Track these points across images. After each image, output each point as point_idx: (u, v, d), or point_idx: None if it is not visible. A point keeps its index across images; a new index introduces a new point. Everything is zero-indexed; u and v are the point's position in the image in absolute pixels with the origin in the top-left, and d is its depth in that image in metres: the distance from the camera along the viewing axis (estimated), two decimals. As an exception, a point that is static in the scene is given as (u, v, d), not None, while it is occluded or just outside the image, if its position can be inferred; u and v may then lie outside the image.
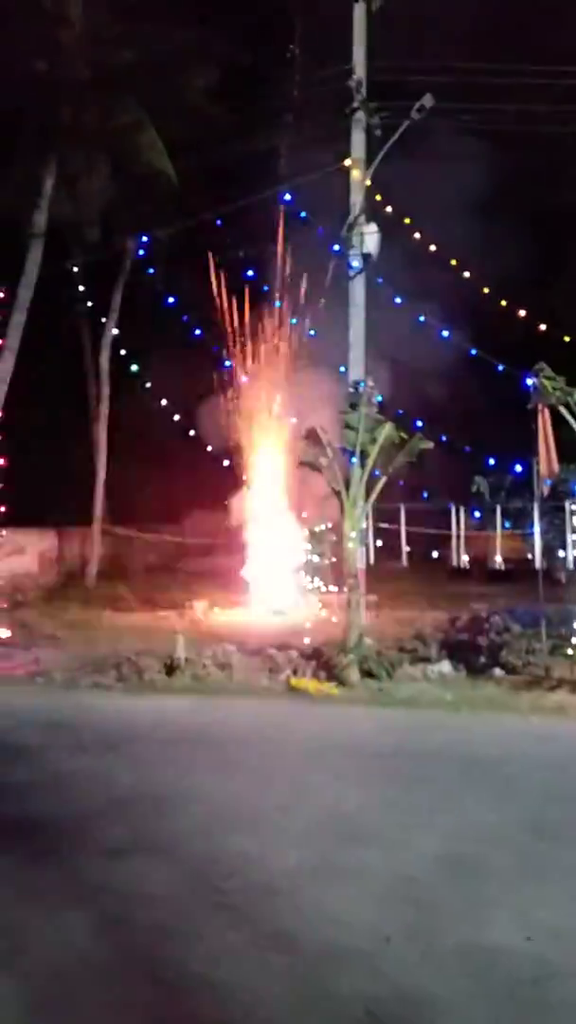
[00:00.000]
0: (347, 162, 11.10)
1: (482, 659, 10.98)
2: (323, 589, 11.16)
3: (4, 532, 19.88)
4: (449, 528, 15.47)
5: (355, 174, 11.05)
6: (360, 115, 11.11)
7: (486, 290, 11.75)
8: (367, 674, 10.35)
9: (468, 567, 15.34)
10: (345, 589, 10.91)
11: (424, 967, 3.79)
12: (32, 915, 4.42)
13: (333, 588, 11.17)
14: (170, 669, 10.72)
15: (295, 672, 10.66)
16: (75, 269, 17.57)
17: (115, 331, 20.60)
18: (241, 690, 10.18)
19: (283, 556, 17.24)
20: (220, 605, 18.56)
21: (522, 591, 16.91)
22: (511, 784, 6.36)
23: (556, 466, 9.70)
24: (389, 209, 11.39)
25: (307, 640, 11.32)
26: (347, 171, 11.10)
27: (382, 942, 3.98)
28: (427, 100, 10.27)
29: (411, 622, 13.42)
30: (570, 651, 9.79)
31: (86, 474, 22.96)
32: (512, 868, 4.82)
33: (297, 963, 3.88)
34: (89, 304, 21.27)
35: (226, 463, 17.58)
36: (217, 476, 20.36)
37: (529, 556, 10.57)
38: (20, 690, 10.46)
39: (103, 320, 21.11)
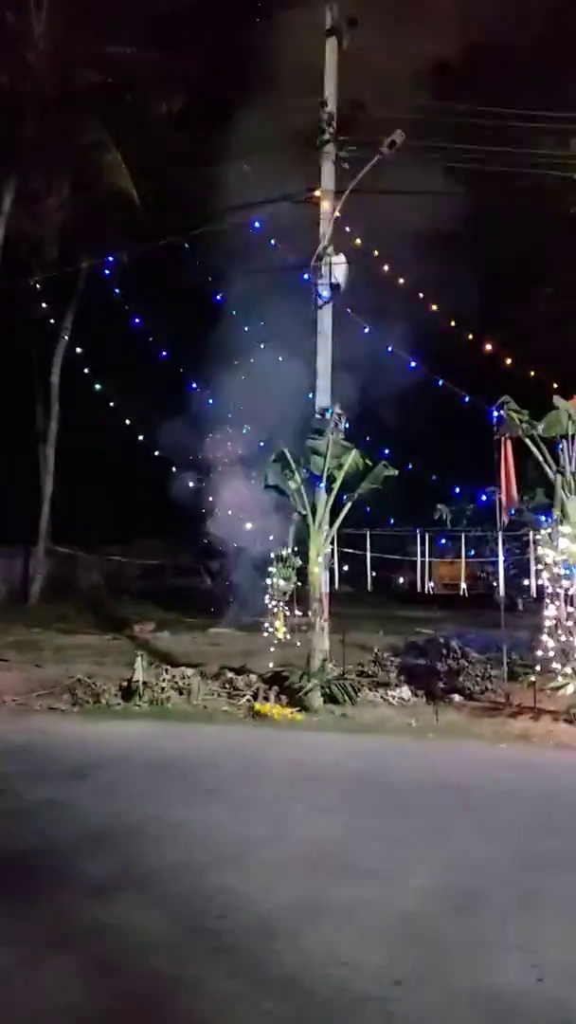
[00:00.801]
0: (316, 193, 11.22)
1: (441, 684, 11.10)
2: (287, 612, 11.11)
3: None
4: (413, 554, 15.74)
5: (324, 205, 11.17)
6: (330, 147, 11.25)
7: (452, 323, 12.02)
8: (329, 699, 10.36)
9: (431, 592, 15.58)
10: (308, 613, 10.89)
11: (441, 1014, 3.70)
12: (16, 961, 4.18)
13: (297, 612, 11.13)
14: (127, 693, 10.52)
15: (255, 696, 10.59)
16: (37, 286, 17.31)
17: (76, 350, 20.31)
18: (202, 715, 10.05)
19: (239, 577, 17.22)
20: (168, 627, 18.38)
21: (474, 616, 17.29)
22: (495, 814, 6.38)
23: (516, 496, 9.92)
24: (358, 241, 11.54)
25: (271, 664, 11.24)
26: (316, 202, 11.21)
27: (393, 986, 3.87)
28: (398, 136, 10.48)
29: (370, 646, 13.49)
30: (532, 678, 9.94)
31: (30, 491, 22.53)
32: (511, 902, 4.80)
33: (307, 1011, 3.72)
34: (47, 321, 20.96)
35: (183, 483, 17.40)
36: (166, 496, 20.20)
37: (494, 584, 10.76)
38: (-31, 715, 10.11)
39: (60, 337, 20.89)
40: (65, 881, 5.13)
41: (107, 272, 15.83)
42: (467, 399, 11.19)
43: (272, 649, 11.85)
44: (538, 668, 9.95)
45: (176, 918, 4.66)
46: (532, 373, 11.10)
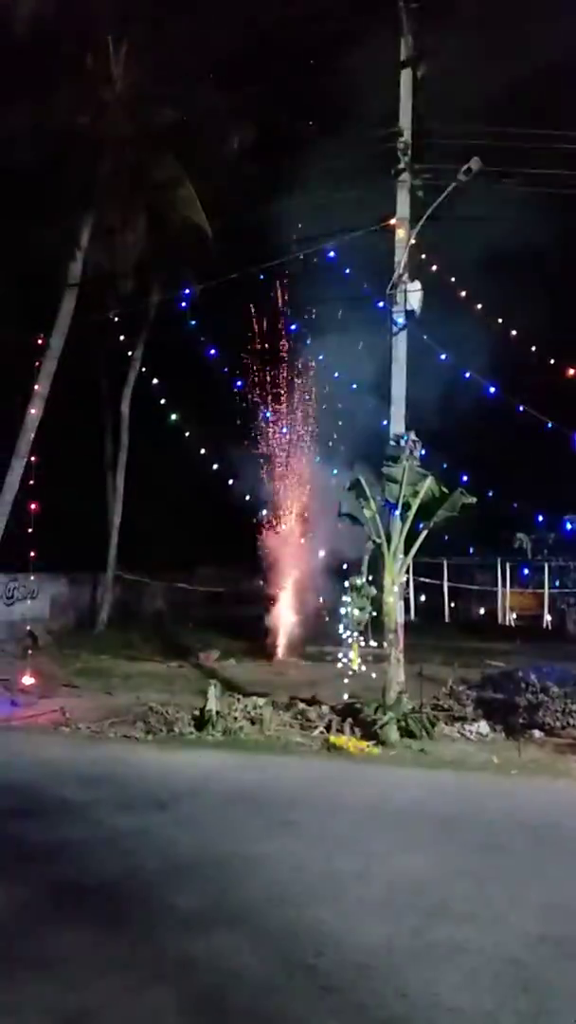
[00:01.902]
0: (392, 221, 11.23)
1: (520, 719, 10.77)
2: (362, 643, 10.95)
3: (18, 577, 19.72)
4: (491, 584, 15.47)
5: (400, 233, 11.17)
6: (405, 176, 11.29)
7: (533, 348, 11.87)
8: (406, 733, 10.12)
9: (511, 623, 15.22)
10: (383, 643, 10.72)
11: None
12: (113, 995, 4.13)
13: (372, 643, 10.96)
14: (200, 722, 10.46)
15: (328, 728, 10.42)
16: (115, 319, 17.73)
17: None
18: (276, 746, 9.92)
19: (308, 607, 17.11)
20: (233, 655, 18.35)
21: (548, 648, 16.83)
22: (591, 857, 6.13)
23: (604, 525, 9.64)
24: (434, 268, 11.51)
25: (345, 696, 11.07)
26: (392, 230, 11.22)
27: (505, 1034, 3.73)
28: (475, 163, 10.43)
29: (442, 678, 13.21)
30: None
31: (100, 520, 22.87)
32: (619, 950, 4.58)
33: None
34: (118, 352, 21.44)
35: (254, 512, 17.45)
36: (232, 525, 20.27)
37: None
38: (47, 740, 10.18)
39: (131, 368, 21.34)
40: (155, 913, 5.06)
41: (183, 304, 16.12)
42: (549, 425, 10.97)
43: (343, 680, 11.67)
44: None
45: (272, 954, 4.55)
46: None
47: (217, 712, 10.46)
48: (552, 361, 11.88)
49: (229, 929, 4.84)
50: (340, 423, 13.02)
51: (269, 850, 6.18)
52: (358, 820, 7.05)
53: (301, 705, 11.52)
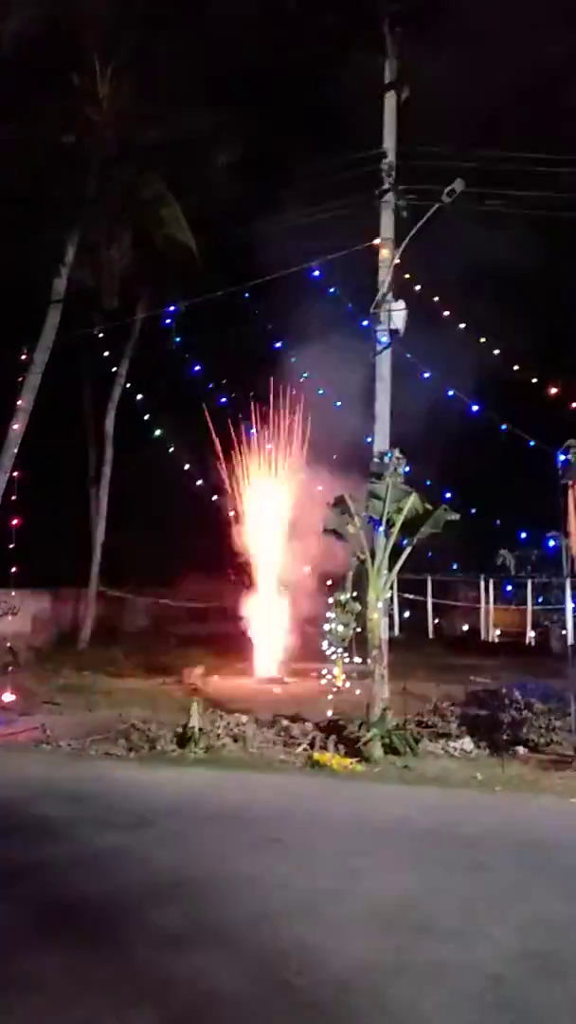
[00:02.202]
0: (376, 241, 11.36)
1: (504, 736, 10.78)
2: (346, 659, 10.94)
3: (-1, 593, 19.58)
4: (475, 600, 15.54)
5: (384, 253, 11.31)
6: (389, 197, 11.43)
7: (516, 367, 12.00)
8: (390, 750, 10.10)
9: (495, 640, 15.28)
10: (367, 660, 10.71)
11: None
12: (99, 1014, 4.08)
13: (356, 659, 10.94)
14: (183, 739, 10.39)
15: (312, 745, 10.38)
16: (100, 335, 17.78)
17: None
18: (259, 763, 9.87)
19: (291, 623, 17.06)
20: (216, 671, 18.26)
21: (532, 665, 16.87)
22: (573, 872, 6.12)
23: (586, 542, 9.71)
24: (417, 288, 11.64)
25: (329, 712, 11.03)
26: (376, 250, 11.35)
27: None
28: (458, 184, 10.59)
29: (426, 694, 13.21)
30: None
31: (82, 535, 22.78)
32: (602, 967, 4.57)
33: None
34: (102, 368, 21.49)
35: (234, 527, 17.46)
36: (213, 540, 20.25)
37: (563, 632, 10.48)
38: (27, 758, 10.09)
39: (115, 384, 21.38)
40: (137, 931, 5.02)
41: (167, 321, 16.18)
42: (532, 443, 11.07)
43: (327, 697, 11.64)
44: (607, 720, 9.59)
45: (253, 973, 4.51)
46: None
47: (200, 729, 10.40)
48: (534, 380, 12.02)
49: (211, 948, 4.80)
50: (325, 439, 13.07)
51: (252, 868, 6.15)
52: (341, 837, 7.02)
53: (285, 722, 11.47)
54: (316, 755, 9.85)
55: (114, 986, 4.37)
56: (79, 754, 10.20)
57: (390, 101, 11.67)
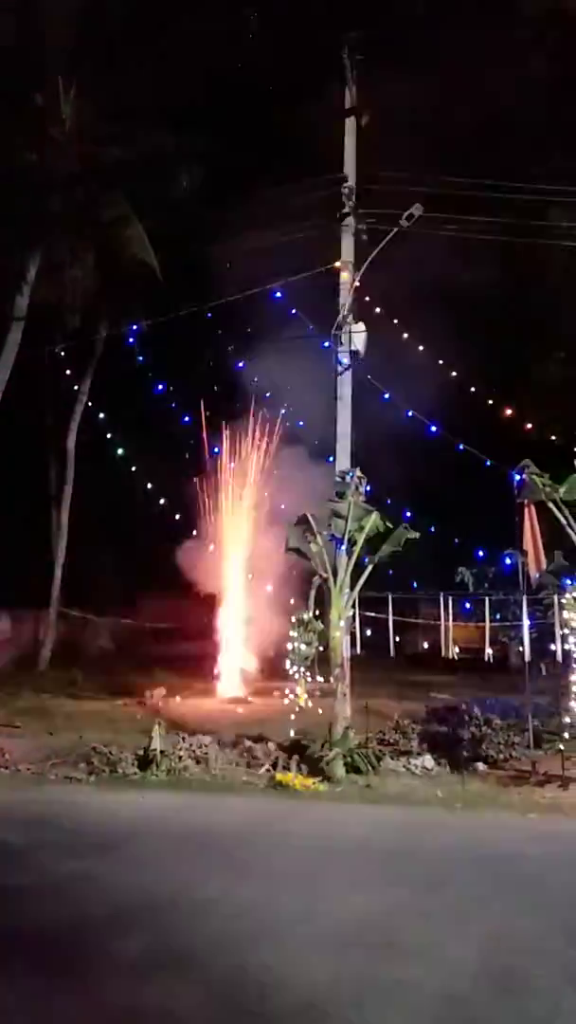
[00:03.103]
0: (337, 264, 11.53)
1: (464, 753, 10.87)
2: (309, 678, 10.96)
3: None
4: (435, 618, 15.72)
5: (344, 276, 11.49)
6: (350, 220, 11.62)
7: (472, 389, 12.23)
8: (352, 768, 10.13)
9: (455, 656, 15.45)
10: (330, 678, 10.75)
11: None
12: (57, 1045, 4.05)
13: (319, 677, 10.98)
14: (144, 762, 10.30)
15: (275, 766, 10.37)
16: (62, 353, 17.73)
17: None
18: (221, 785, 9.82)
19: (255, 643, 17.04)
20: (179, 692, 18.14)
21: (491, 681, 17.07)
22: (534, 889, 6.19)
23: (543, 560, 9.89)
24: (378, 310, 11.83)
25: (292, 732, 11.03)
26: (337, 272, 11.52)
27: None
28: (416, 209, 10.82)
29: (388, 712, 13.27)
30: (560, 745, 9.74)
31: (43, 555, 22.52)
32: (561, 984, 4.62)
33: None
34: (64, 387, 21.40)
35: (201, 547, 17.44)
36: (176, 560, 20.17)
37: (519, 649, 10.65)
38: (-14, 782, 9.91)
39: (77, 403, 21.28)
40: (99, 960, 4.96)
41: (130, 340, 16.20)
42: (488, 463, 11.28)
43: (290, 716, 11.64)
44: (566, 735, 9.74)
45: (217, 999, 4.50)
46: (552, 437, 11.22)
47: (161, 751, 10.31)
48: (490, 402, 12.26)
49: (174, 975, 4.77)
50: (288, 459, 13.18)
51: (214, 892, 6.12)
52: (304, 859, 7.02)
53: (247, 743, 11.44)
54: (279, 775, 9.85)
55: (76, 1017, 4.32)
56: (39, 778, 10.05)
57: (350, 126, 11.89)
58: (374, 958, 4.96)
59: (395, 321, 11.94)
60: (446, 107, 13.85)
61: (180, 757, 10.50)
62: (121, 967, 4.83)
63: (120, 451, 18.57)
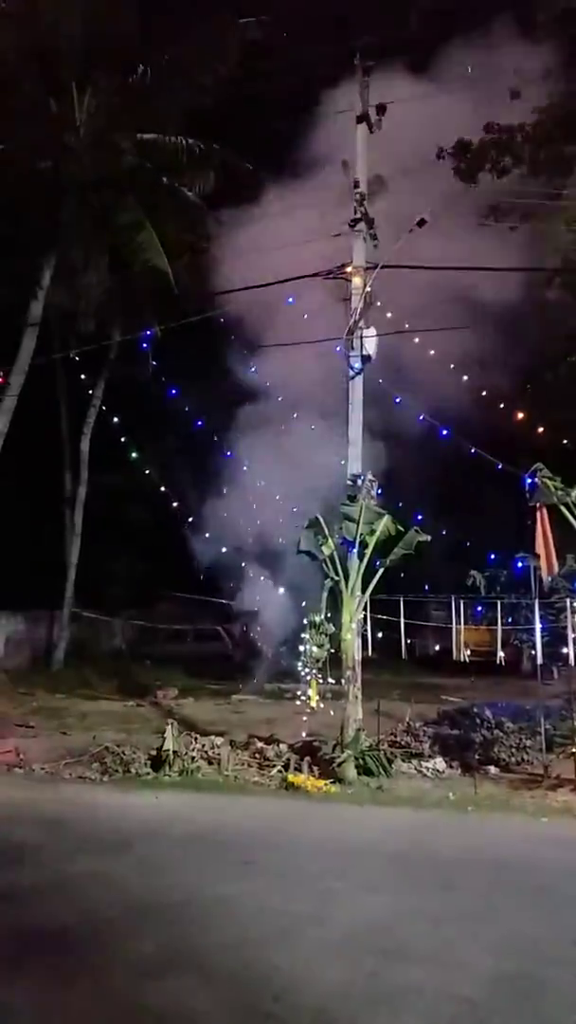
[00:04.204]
0: (348, 269, 11.56)
1: (476, 756, 10.89)
2: (320, 680, 11.01)
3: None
4: (447, 621, 15.73)
5: (356, 281, 11.51)
6: (361, 226, 11.65)
7: (484, 392, 12.24)
8: (364, 771, 10.17)
9: (466, 660, 15.48)
10: (341, 680, 10.79)
11: None
12: (71, 1043, 4.12)
13: (330, 680, 11.03)
14: (157, 762, 10.39)
15: (287, 767, 10.43)
16: (76, 358, 17.86)
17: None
18: (234, 786, 9.89)
19: (267, 645, 17.10)
20: (192, 693, 18.22)
21: (502, 684, 17.07)
22: (545, 893, 6.21)
23: (555, 564, 9.89)
24: (389, 315, 11.85)
25: (304, 734, 11.09)
26: (348, 277, 11.55)
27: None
28: (427, 215, 10.84)
29: (399, 714, 13.30)
30: (573, 749, 9.74)
31: (56, 556, 22.68)
32: (572, 988, 4.65)
33: None
34: (79, 390, 21.57)
35: (214, 549, 17.51)
36: (191, 562, 20.25)
37: (532, 652, 10.66)
38: (0, 782, 10.02)
39: (92, 406, 21.44)
40: (111, 959, 5.02)
41: (144, 345, 16.31)
42: (500, 467, 11.29)
43: (301, 718, 11.69)
44: (578, 739, 9.74)
45: (230, 1000, 4.54)
46: (564, 441, 11.22)
47: (174, 752, 10.40)
48: (502, 405, 12.27)
49: (186, 974, 4.82)
50: (300, 461, 13.23)
51: (227, 892, 6.17)
52: (316, 860, 7.06)
53: (259, 744, 11.52)
54: (291, 777, 9.91)
55: (89, 1015, 4.38)
56: (53, 778, 10.16)
57: (362, 132, 11.91)
58: (386, 962, 4.99)
59: (406, 325, 11.97)
60: (459, 112, 13.86)
61: (193, 758, 10.59)
62: (134, 966, 4.88)
63: (134, 454, 18.67)
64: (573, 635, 9.60)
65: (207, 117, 16.23)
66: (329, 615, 10.68)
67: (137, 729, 13.35)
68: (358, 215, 11.60)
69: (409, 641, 13.52)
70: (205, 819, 8.46)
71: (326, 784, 9.74)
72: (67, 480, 23.40)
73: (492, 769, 10.56)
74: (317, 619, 10.66)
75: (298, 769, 10.22)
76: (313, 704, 10.98)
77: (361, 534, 10.71)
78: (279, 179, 14.76)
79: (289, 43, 15.01)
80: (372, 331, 11.31)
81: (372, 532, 10.73)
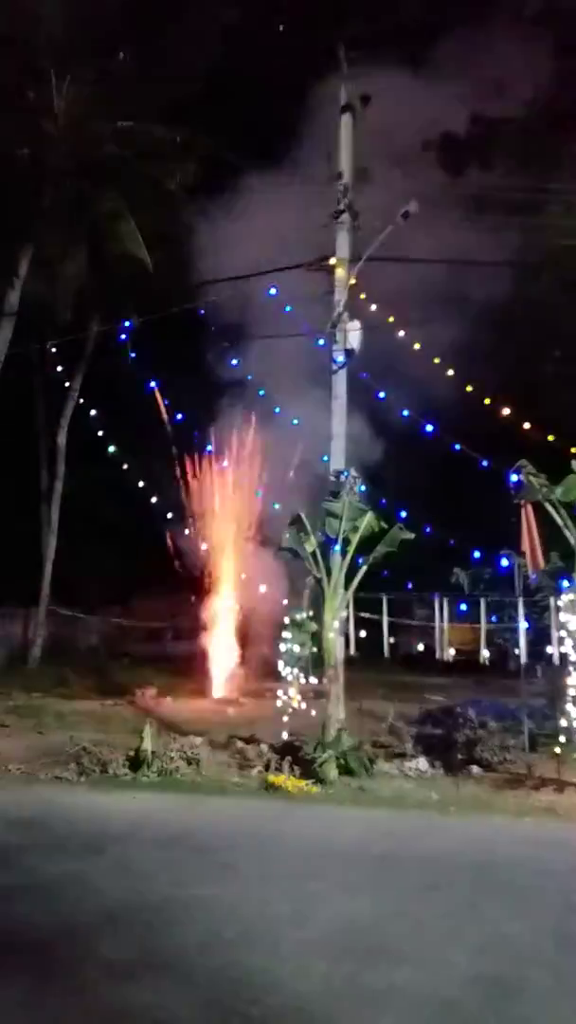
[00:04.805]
0: (332, 261, 11.43)
1: (459, 755, 10.79)
2: (302, 679, 10.87)
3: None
4: (430, 619, 15.65)
5: (339, 273, 11.38)
6: (345, 217, 11.52)
7: (469, 388, 12.16)
8: (345, 771, 10.04)
9: (450, 659, 15.44)
10: (323, 680, 10.66)
11: None
12: (42, 1051, 3.95)
13: (312, 679, 10.90)
14: (135, 762, 10.20)
15: (267, 767, 10.28)
16: (53, 350, 17.61)
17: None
18: (213, 787, 9.72)
19: (248, 643, 16.94)
20: (170, 692, 18.03)
21: (486, 683, 17.03)
22: (527, 893, 6.11)
23: (541, 560, 9.82)
24: (373, 308, 11.73)
25: (284, 734, 10.94)
26: (331, 270, 11.42)
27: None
28: (412, 206, 10.75)
29: (382, 713, 13.19)
30: (556, 749, 9.67)
31: (33, 552, 22.39)
32: (553, 989, 4.55)
33: None
34: (55, 383, 21.29)
35: (193, 546, 17.35)
36: (168, 559, 20.08)
37: (515, 651, 10.61)
38: (-26, 783, 9.79)
39: (68, 399, 21.17)
40: (87, 963, 4.86)
41: (122, 336, 16.10)
42: (484, 463, 11.21)
43: (283, 717, 11.54)
44: (562, 738, 9.66)
45: (207, 1002, 4.40)
46: (550, 437, 11.15)
47: (153, 752, 10.21)
48: (487, 401, 12.19)
49: (165, 977, 4.67)
50: (281, 458, 13.11)
51: (205, 894, 6.02)
52: (296, 861, 6.93)
53: (239, 744, 11.36)
54: (271, 777, 9.76)
55: (65, 1019, 4.22)
56: (28, 778, 9.94)
57: (345, 123, 11.79)
58: (366, 963, 4.87)
59: (390, 319, 11.86)
60: (443, 105, 13.80)
61: (172, 758, 10.41)
62: (110, 969, 4.73)
63: (112, 448, 18.46)
64: (557, 634, 9.53)
65: (190, 105, 16.03)
66: (312, 613, 10.54)
67: (115, 729, 13.16)
68: (342, 207, 11.47)
69: (392, 640, 13.43)
70: (184, 820, 8.30)
71: (307, 784, 9.59)
72: (43, 475, 23.10)
73: (475, 769, 10.46)
74: (299, 617, 10.51)
75: (279, 769, 10.07)
76: (295, 703, 10.83)
77: (344, 531, 10.59)
78: (263, 170, 14.60)
79: (273, 31, 14.86)
80: (356, 324, 11.18)
81: (355, 529, 10.61)
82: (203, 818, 8.39)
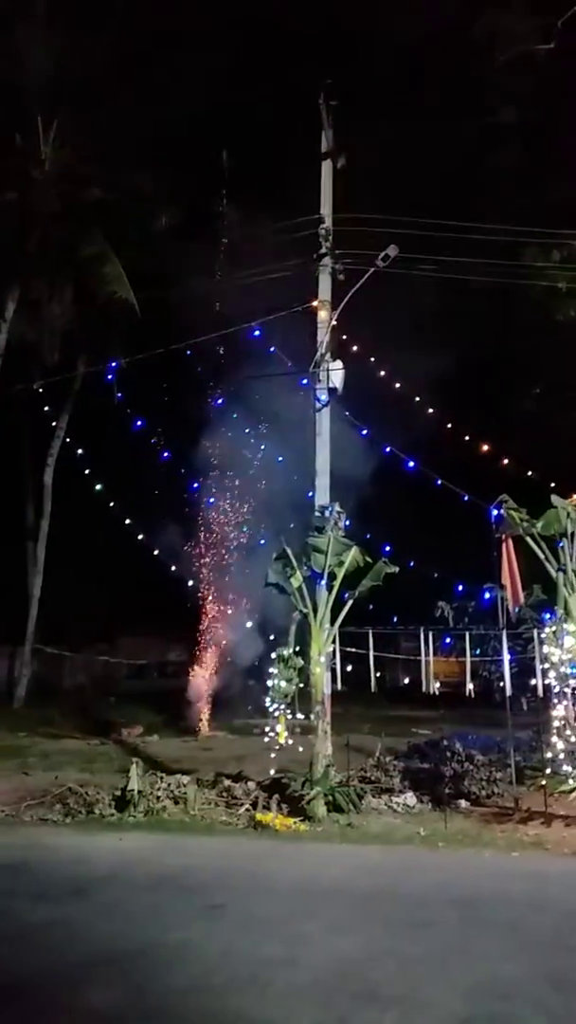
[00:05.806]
0: (315, 303, 11.67)
1: (446, 790, 10.78)
2: (289, 715, 10.85)
3: None
4: (415, 652, 15.70)
5: (322, 315, 11.64)
6: (327, 260, 11.79)
7: (450, 424, 12.35)
8: (333, 807, 10.00)
9: (436, 692, 15.43)
10: (310, 715, 10.64)
11: None
12: None
13: (299, 715, 10.87)
14: (121, 803, 10.11)
15: (255, 805, 10.21)
16: (40, 390, 17.74)
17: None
18: (200, 826, 9.66)
19: (235, 680, 16.86)
20: (157, 730, 17.88)
21: (472, 715, 17.03)
22: (517, 930, 6.08)
23: (521, 595, 9.92)
24: (355, 348, 11.96)
25: (272, 771, 10.89)
26: (314, 311, 11.66)
27: None
28: (392, 250, 11.00)
29: (369, 748, 13.15)
30: (542, 781, 9.68)
31: (19, 591, 22.30)
32: (547, 1028, 4.55)
33: None
34: (42, 422, 21.44)
35: (179, 584, 17.34)
36: (154, 595, 20.04)
37: (500, 684, 10.63)
38: (-43, 826, 9.67)
39: (55, 438, 21.29)
40: (72, 1011, 4.81)
41: (109, 377, 16.27)
42: (466, 498, 11.36)
43: (270, 754, 11.49)
44: (547, 771, 9.68)
45: (195, 1052, 4.35)
46: (529, 472, 11.33)
47: (139, 792, 10.14)
48: (468, 437, 12.39)
49: (151, 1022, 4.63)
50: (267, 494, 13.20)
51: (193, 937, 5.97)
52: (285, 901, 6.88)
53: (227, 782, 11.28)
54: (259, 815, 9.70)
55: (48, 1072, 4.17)
56: (13, 820, 9.83)
57: (326, 169, 12.11)
58: (355, 1005, 4.84)
59: (372, 359, 12.07)
60: (420, 151, 14.17)
61: (158, 797, 10.33)
62: (96, 1015, 4.69)
63: (98, 487, 18.53)
64: (540, 666, 9.60)
65: (174, 150, 16.37)
66: (298, 648, 10.56)
67: (101, 768, 13.06)
68: (323, 250, 11.73)
69: (379, 673, 13.42)
70: (171, 861, 8.22)
71: (295, 822, 9.55)
72: (30, 513, 23.11)
73: (463, 803, 10.45)
74: (286, 653, 10.53)
75: (266, 807, 10.01)
76: (282, 740, 10.80)
77: (330, 566, 10.65)
78: (249, 211, 14.90)
79: (256, 80, 15.25)
80: (338, 364, 11.39)
81: (340, 563, 10.68)
82: (191, 858, 8.31)
